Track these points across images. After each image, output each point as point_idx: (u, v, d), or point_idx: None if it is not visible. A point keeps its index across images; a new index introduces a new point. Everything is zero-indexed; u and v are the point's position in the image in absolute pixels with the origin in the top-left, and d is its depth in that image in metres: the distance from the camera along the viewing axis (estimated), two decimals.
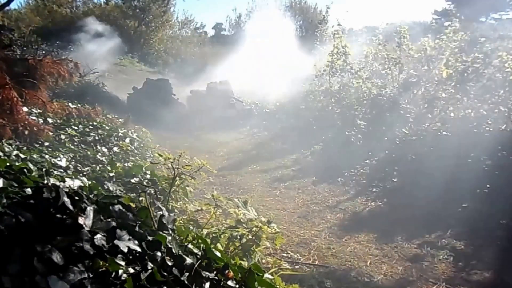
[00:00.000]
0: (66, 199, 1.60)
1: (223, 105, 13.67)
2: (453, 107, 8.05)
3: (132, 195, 3.14)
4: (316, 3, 31.36)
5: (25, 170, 2.13)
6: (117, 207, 1.80)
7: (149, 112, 12.58)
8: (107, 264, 1.45)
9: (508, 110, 7.25)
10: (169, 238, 1.76)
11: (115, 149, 5.43)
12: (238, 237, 3.00)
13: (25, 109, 4.66)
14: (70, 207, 1.59)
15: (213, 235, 3.04)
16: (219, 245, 2.76)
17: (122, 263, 1.48)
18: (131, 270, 1.49)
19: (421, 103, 8.64)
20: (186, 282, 1.60)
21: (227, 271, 1.78)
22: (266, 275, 1.92)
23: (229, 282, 1.74)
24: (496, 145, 6.56)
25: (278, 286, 2.19)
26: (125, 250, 1.54)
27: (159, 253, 1.64)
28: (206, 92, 14.64)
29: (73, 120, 5.80)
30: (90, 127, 5.84)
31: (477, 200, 5.60)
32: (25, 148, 3.74)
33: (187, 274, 1.64)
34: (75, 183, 2.13)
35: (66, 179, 2.17)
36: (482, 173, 6.07)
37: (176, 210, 3.69)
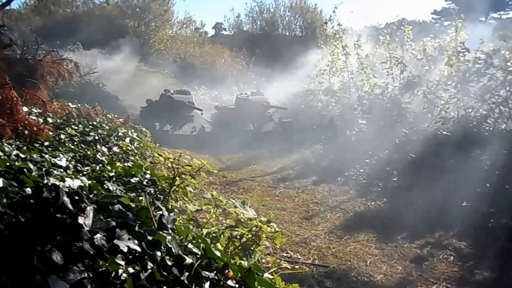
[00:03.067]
0: (66, 198, 1.60)
1: (259, 119, 11.38)
2: (453, 106, 8.06)
3: (132, 194, 3.13)
4: (316, 4, 31.38)
5: (25, 169, 2.13)
6: (117, 206, 1.80)
7: (166, 130, 10.47)
8: (107, 264, 1.45)
9: (509, 110, 7.26)
10: (169, 237, 1.76)
11: (115, 148, 5.42)
12: (238, 237, 3.00)
13: (25, 109, 4.66)
14: (70, 206, 1.59)
15: (213, 234, 3.04)
16: (219, 245, 2.75)
17: (122, 262, 1.48)
18: (131, 270, 1.49)
19: (421, 102, 8.64)
20: (186, 281, 1.60)
21: (227, 270, 1.78)
22: (266, 275, 1.92)
23: (229, 282, 1.74)
24: (496, 145, 6.56)
25: (277, 286, 2.19)
26: (125, 249, 1.54)
27: (159, 253, 1.64)
28: (236, 106, 12.27)
29: (73, 120, 5.79)
30: (90, 126, 5.82)
31: (477, 200, 5.61)
32: (25, 147, 3.73)
33: (187, 273, 1.64)
34: (75, 183, 2.13)
35: (66, 178, 2.17)
36: (482, 172, 6.08)
37: (176, 210, 3.69)
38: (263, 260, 3.53)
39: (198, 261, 1.74)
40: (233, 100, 13.90)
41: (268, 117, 11.80)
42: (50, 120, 5.21)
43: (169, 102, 11.44)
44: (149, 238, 1.70)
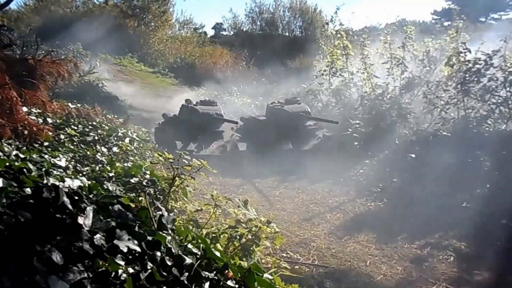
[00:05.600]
0: (65, 199, 1.60)
1: (296, 134, 9.06)
2: (453, 107, 8.06)
3: (131, 195, 3.14)
4: (316, 4, 31.41)
5: (24, 170, 2.13)
6: (117, 207, 1.80)
7: (190, 151, 7.78)
8: (106, 264, 1.45)
9: (509, 110, 7.26)
10: (169, 238, 1.76)
11: (115, 149, 5.42)
12: (238, 237, 3.00)
13: (24, 109, 4.66)
14: (70, 207, 1.59)
15: (213, 235, 3.04)
16: (218, 245, 2.75)
17: (122, 263, 1.48)
18: (131, 270, 1.49)
19: (421, 103, 8.66)
20: (186, 282, 1.60)
21: (226, 271, 1.78)
22: (266, 275, 1.92)
23: (229, 282, 1.74)
24: (496, 145, 6.57)
25: (277, 286, 2.19)
26: (125, 250, 1.54)
27: (158, 253, 1.64)
28: (267, 117, 9.85)
29: (72, 120, 5.79)
30: (90, 127, 5.83)
31: (477, 200, 5.61)
32: (24, 148, 3.73)
33: (186, 274, 1.64)
34: (75, 183, 2.13)
35: (66, 179, 2.17)
36: (482, 173, 6.08)
37: (175, 210, 3.69)
38: (263, 261, 3.52)
39: (198, 261, 1.74)
40: (233, 101, 13.78)
41: (309, 132, 9.31)
42: (49, 120, 5.20)
43: (193, 116, 9.24)
44: (149, 238, 1.70)
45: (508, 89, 7.30)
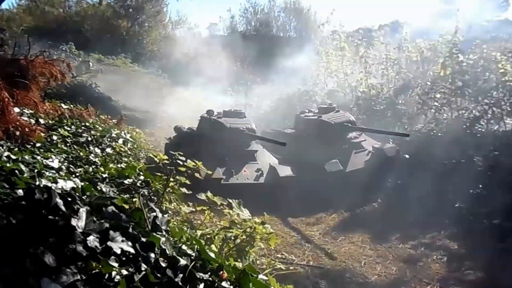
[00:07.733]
0: (58, 200, 1.58)
1: (339, 150, 7.08)
2: (447, 108, 8.12)
3: (125, 196, 3.11)
4: (310, 5, 31.44)
5: (16, 171, 2.10)
6: (110, 208, 1.78)
7: (217, 178, 6.07)
8: (100, 266, 1.43)
9: (501, 111, 7.32)
10: (163, 239, 1.74)
11: (108, 150, 5.39)
12: (232, 238, 2.99)
13: (16, 109, 4.60)
14: (63, 208, 1.57)
15: (207, 236, 3.03)
16: (213, 246, 2.74)
17: (116, 264, 1.47)
18: (125, 272, 1.48)
19: (415, 104, 8.71)
20: (180, 283, 1.59)
21: (221, 272, 1.77)
22: (261, 276, 1.91)
23: (224, 283, 1.73)
24: (489, 146, 6.62)
25: (272, 287, 2.18)
26: (118, 251, 1.52)
27: (152, 255, 1.63)
28: (298, 131, 7.95)
29: (65, 121, 5.73)
30: (83, 127, 5.78)
31: (470, 201, 5.65)
32: (16, 149, 3.68)
33: (181, 275, 1.63)
34: (68, 184, 2.10)
35: (59, 180, 2.14)
36: (475, 173, 6.12)
37: (169, 211, 3.67)
38: (258, 262, 3.52)
39: (193, 263, 1.73)
40: (227, 101, 13.71)
41: (356, 146, 7.32)
42: (42, 121, 5.15)
43: (218, 132, 7.10)
44: (143, 239, 1.68)
45: (501, 90, 7.36)
